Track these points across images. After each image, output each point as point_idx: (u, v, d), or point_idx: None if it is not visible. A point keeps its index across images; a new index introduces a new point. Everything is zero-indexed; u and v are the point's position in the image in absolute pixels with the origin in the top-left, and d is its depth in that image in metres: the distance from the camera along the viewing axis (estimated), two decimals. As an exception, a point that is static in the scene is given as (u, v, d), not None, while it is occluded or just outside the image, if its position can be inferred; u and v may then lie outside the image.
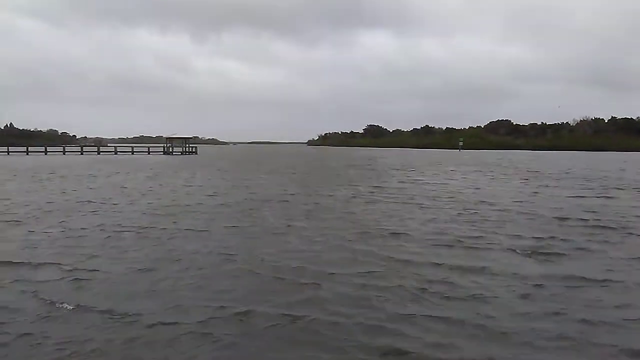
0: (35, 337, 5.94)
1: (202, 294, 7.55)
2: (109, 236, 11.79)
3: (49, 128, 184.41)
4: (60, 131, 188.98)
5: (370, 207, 17.50)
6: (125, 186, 25.12)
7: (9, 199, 19.12)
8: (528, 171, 40.31)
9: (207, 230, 12.49)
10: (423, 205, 17.78)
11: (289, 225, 13.33)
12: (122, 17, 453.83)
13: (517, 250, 10.46)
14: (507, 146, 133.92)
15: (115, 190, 23.15)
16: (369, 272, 8.65)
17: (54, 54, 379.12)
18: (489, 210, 16.61)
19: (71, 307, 6.90)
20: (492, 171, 40.27)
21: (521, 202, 19.01)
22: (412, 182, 28.48)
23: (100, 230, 12.60)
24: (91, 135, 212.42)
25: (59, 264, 9.10)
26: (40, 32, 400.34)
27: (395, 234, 12.22)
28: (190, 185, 25.92)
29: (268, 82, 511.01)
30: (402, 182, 28.80)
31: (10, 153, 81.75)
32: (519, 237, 11.97)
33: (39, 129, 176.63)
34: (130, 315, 6.58)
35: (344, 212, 15.94)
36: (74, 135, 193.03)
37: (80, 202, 18.54)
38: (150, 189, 23.98)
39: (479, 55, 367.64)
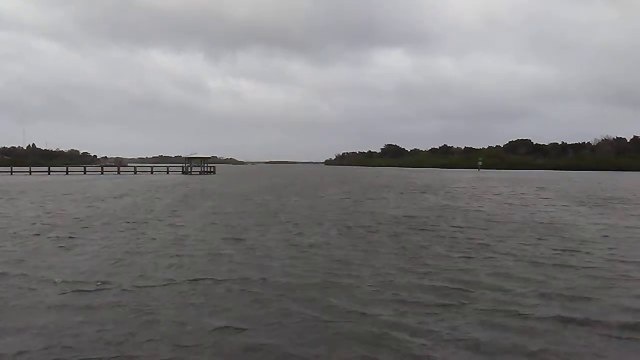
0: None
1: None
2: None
3: (70, 148, 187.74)
4: (81, 151, 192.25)
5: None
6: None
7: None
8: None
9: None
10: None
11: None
12: (135, 38, 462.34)
13: None
14: (528, 166, 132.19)
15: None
16: None
17: (70, 75, 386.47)
18: None
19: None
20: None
21: None
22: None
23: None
24: (111, 155, 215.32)
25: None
26: (56, 53, 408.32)
27: None
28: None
29: (283, 102, 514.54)
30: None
31: (32, 173, 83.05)
32: None
33: (60, 149, 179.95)
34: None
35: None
36: (95, 155, 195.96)
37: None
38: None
39: (497, 73, 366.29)
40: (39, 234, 15.31)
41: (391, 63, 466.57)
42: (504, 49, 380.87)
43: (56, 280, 9.37)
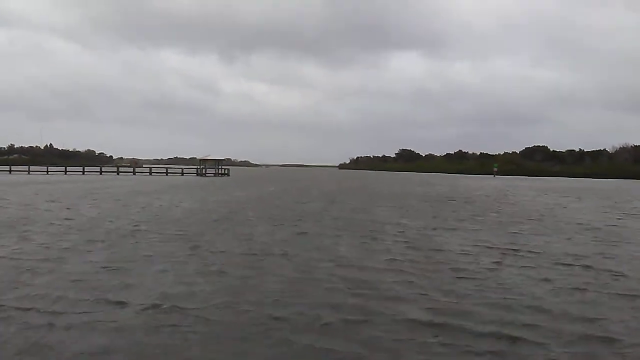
0: None
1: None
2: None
3: (86, 148, 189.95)
4: (97, 152, 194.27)
5: None
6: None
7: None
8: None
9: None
10: None
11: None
12: (149, 40, 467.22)
13: None
14: (544, 173, 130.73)
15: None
16: None
17: (86, 76, 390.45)
18: None
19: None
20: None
21: None
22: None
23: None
24: (127, 155, 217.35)
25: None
26: (71, 54, 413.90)
27: None
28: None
29: (297, 105, 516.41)
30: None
31: (49, 172, 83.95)
32: None
33: (77, 149, 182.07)
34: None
35: None
36: (111, 156, 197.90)
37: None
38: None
39: (512, 78, 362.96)
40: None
41: (405, 67, 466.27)
42: (520, 53, 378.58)
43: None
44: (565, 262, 12.06)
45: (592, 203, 34.27)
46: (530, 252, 13.44)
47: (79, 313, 7.51)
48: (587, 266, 11.66)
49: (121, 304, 7.96)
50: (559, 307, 8.22)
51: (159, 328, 6.93)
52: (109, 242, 13.89)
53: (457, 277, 10.23)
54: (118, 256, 11.83)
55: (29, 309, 7.60)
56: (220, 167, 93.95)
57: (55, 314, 7.43)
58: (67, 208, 23.72)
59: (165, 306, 7.85)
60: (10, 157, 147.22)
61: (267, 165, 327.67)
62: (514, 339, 6.73)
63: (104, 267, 10.57)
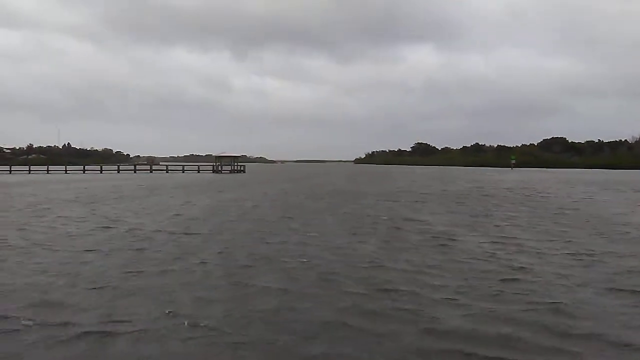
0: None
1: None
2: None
3: (103, 147, 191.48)
4: (114, 150, 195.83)
5: None
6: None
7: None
8: None
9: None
10: None
11: None
12: (161, 37, 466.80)
13: None
14: (563, 165, 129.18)
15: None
16: None
17: (99, 75, 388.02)
18: None
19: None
20: None
21: None
22: None
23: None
24: (143, 153, 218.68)
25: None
26: (84, 53, 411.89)
27: None
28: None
29: (310, 99, 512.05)
30: None
31: (67, 172, 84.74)
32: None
33: (94, 148, 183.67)
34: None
35: None
36: (128, 154, 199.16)
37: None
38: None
39: (526, 68, 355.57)
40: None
41: (417, 59, 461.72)
42: (533, 42, 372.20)
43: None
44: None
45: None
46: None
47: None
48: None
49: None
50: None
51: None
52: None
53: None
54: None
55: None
56: (236, 164, 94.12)
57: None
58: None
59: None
60: (29, 156, 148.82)
61: (282, 162, 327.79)
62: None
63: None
